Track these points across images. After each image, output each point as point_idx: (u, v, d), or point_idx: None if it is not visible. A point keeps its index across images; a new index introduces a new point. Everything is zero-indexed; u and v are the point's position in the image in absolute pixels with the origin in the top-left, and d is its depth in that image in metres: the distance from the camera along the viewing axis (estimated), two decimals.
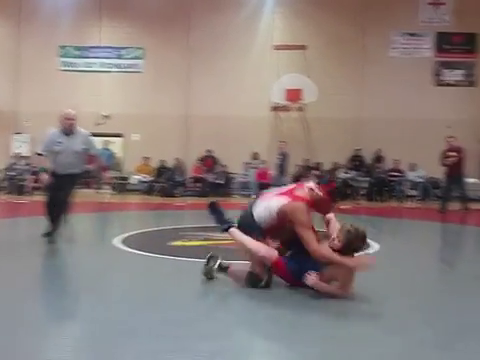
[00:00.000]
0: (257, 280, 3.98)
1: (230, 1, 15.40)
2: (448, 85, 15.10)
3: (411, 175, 14.20)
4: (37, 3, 15.45)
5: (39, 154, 5.94)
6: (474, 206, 10.84)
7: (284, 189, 4.20)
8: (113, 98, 15.44)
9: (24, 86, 15.47)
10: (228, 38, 15.20)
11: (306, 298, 3.72)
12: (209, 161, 14.93)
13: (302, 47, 14.78)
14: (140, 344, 2.82)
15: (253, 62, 15.17)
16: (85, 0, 15.62)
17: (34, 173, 12.46)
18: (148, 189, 14.33)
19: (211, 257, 4.20)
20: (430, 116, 14.52)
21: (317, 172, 14.31)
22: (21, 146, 15.04)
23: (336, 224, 4.06)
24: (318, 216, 4.18)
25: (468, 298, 4.02)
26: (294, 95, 14.16)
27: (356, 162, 14.77)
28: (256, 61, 15.14)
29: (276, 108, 14.82)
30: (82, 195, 10.38)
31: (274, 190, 4.30)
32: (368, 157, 14.92)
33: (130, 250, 5.63)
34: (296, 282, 3.87)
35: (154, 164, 14.97)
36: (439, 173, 11.51)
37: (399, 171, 14.28)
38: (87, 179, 12.48)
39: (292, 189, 4.12)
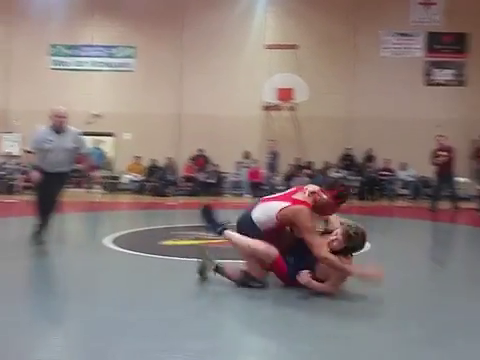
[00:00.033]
0: (251, 280, 3.96)
1: (222, 0, 15.39)
2: (438, 85, 15.20)
3: (402, 174, 14.28)
4: (28, 1, 15.36)
5: (28, 152, 5.83)
6: (464, 205, 10.91)
7: (284, 193, 4.18)
8: (104, 97, 15.39)
9: (15, 85, 15.38)
10: (220, 37, 15.20)
11: (300, 298, 3.72)
12: (201, 160, 14.91)
13: (294, 46, 14.81)
14: (131, 343, 2.81)
15: (245, 61, 15.18)
16: None
17: (24, 172, 12.38)
18: (139, 188, 14.29)
19: (205, 256, 4.15)
20: (421, 115, 14.62)
21: (308, 171, 14.36)
22: (12, 145, 14.94)
23: (336, 222, 4.03)
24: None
25: (458, 296, 4.05)
26: (286, 94, 14.19)
27: (347, 161, 14.83)
28: (248, 60, 15.15)
29: (268, 107, 14.84)
30: (72, 194, 10.34)
31: (274, 195, 4.27)
32: (359, 156, 14.99)
33: (121, 250, 5.61)
34: (293, 282, 3.83)
35: (145, 163, 14.93)
36: (430, 172, 11.59)
37: (390, 170, 14.35)
38: (77, 178, 12.43)
39: (292, 192, 4.08)
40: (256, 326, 3.28)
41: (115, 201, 12.70)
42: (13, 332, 2.96)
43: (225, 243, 4.23)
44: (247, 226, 4.03)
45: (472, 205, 11.14)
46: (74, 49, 15.70)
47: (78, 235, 7.43)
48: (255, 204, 4.19)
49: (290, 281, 3.89)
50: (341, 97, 15.05)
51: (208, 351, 2.73)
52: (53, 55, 15.67)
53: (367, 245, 5.92)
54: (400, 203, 13.12)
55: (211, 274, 4.08)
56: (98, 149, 14.52)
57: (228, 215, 4.53)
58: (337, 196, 3.91)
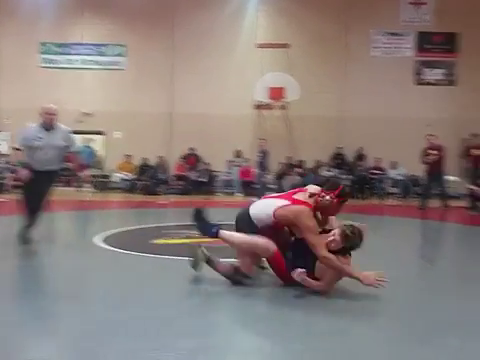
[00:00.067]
0: (240, 276, 3.96)
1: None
2: (429, 84, 15.29)
3: (392, 173, 14.36)
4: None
5: (17, 149, 5.71)
6: (454, 203, 10.99)
7: (285, 193, 4.17)
8: (95, 95, 15.31)
9: (4, 83, 15.24)
10: (211, 36, 15.17)
11: (296, 297, 3.72)
12: (192, 159, 14.89)
13: (285, 45, 14.82)
14: (122, 342, 2.80)
15: (236, 60, 15.17)
16: None
17: (13, 171, 12.27)
18: (130, 187, 14.24)
19: (198, 248, 4.14)
20: (411, 115, 14.70)
21: (300, 170, 14.40)
22: (1, 144, 14.81)
23: (334, 222, 4.04)
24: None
25: (448, 295, 4.08)
26: (277, 93, 14.20)
27: (338, 160, 14.88)
28: (240, 59, 15.15)
29: (259, 106, 14.84)
30: (63, 193, 10.28)
31: (275, 194, 4.27)
32: (350, 155, 15.04)
33: (111, 248, 5.58)
34: (290, 278, 3.80)
35: (136, 162, 14.87)
36: (420, 171, 11.65)
37: (380, 169, 14.42)
38: (67, 177, 12.34)
39: (292, 193, 4.08)
40: (250, 325, 3.28)
41: (106, 200, 12.64)
42: (2, 332, 2.94)
43: (217, 242, 4.22)
44: (244, 223, 4.02)
45: (462, 203, 11.22)
46: (64, 47, 15.61)
47: (68, 234, 7.38)
48: (254, 201, 4.18)
49: (288, 276, 3.86)
50: (332, 96, 15.09)
51: (200, 350, 2.73)
52: (43, 53, 15.56)
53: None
54: (390, 201, 13.19)
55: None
56: (88, 147, 14.46)
57: (220, 214, 4.53)
58: (340, 194, 3.92)
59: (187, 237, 6.20)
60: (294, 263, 3.85)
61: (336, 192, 3.92)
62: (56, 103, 5.78)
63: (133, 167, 14.77)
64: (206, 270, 4.14)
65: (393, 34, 15.34)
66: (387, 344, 2.91)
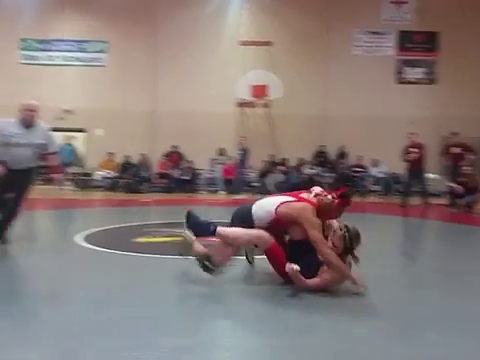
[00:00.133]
0: (208, 262, 3.93)
1: None
2: (409, 83, 15.45)
3: (374, 171, 14.49)
4: None
5: None
6: (434, 201, 11.13)
7: (289, 192, 4.16)
8: (76, 92, 15.14)
9: None
10: (194, 33, 15.12)
11: (289, 296, 3.69)
12: (174, 157, 14.82)
13: (268, 43, 14.83)
14: (103, 342, 2.77)
15: (219, 58, 15.14)
16: None
17: None
18: (112, 185, 14.12)
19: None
20: (392, 113, 14.84)
21: (283, 168, 14.44)
22: None
23: (334, 224, 4.00)
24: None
25: (429, 291, 4.13)
26: (260, 91, 14.21)
27: (321, 158, 14.96)
28: (222, 57, 15.11)
29: (242, 104, 14.84)
30: (42, 191, 10.14)
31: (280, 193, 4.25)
32: (332, 153, 15.13)
33: (93, 247, 5.52)
34: (287, 275, 3.74)
35: (118, 160, 14.75)
36: (401, 169, 11.78)
37: (362, 167, 14.54)
38: (46, 175, 12.15)
39: (298, 192, 4.07)
40: (236, 323, 3.25)
41: (87, 198, 12.52)
42: None
43: (209, 241, 4.19)
44: (241, 219, 3.98)
45: (442, 201, 11.37)
46: (45, 44, 15.41)
47: (48, 233, 7.28)
48: (259, 199, 4.15)
49: (284, 271, 3.76)
50: (315, 94, 15.15)
51: (184, 348, 2.71)
52: (23, 49, 15.34)
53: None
54: (372, 199, 13.30)
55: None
56: (69, 145, 14.31)
57: (203, 213, 4.51)
58: (342, 195, 3.91)
59: (169, 235, 6.16)
60: (293, 257, 3.78)
61: (338, 193, 3.92)
62: (37, 100, 5.62)
63: (115, 165, 14.65)
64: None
65: (374, 33, 15.46)
66: (367, 340, 2.93)
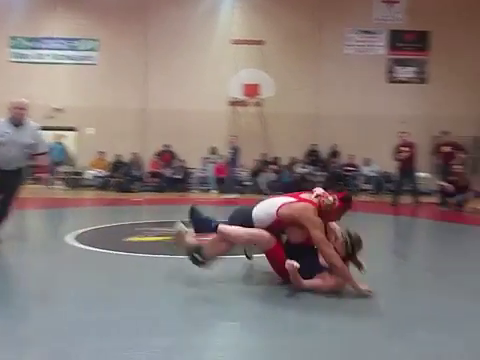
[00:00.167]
0: (198, 254, 3.92)
1: None
2: (400, 82, 15.51)
3: (365, 169, 14.55)
4: None
5: None
6: (425, 199, 11.19)
7: (290, 193, 4.14)
8: (66, 90, 15.05)
9: None
10: (186, 32, 15.08)
11: (288, 296, 3.69)
12: (166, 156, 14.78)
13: (260, 42, 14.83)
14: (94, 342, 2.75)
15: (212, 57, 15.11)
16: None
17: None
18: (103, 184, 14.05)
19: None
20: (384, 112, 14.90)
21: (275, 167, 14.45)
22: None
23: (335, 228, 3.99)
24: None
25: (420, 289, 4.14)
26: (252, 90, 14.20)
27: (313, 157, 15.00)
28: (215, 56, 15.09)
29: (234, 103, 14.82)
30: (33, 191, 10.08)
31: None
32: (324, 152, 15.16)
33: (83, 247, 5.48)
34: (286, 274, 3.72)
35: (110, 159, 14.68)
36: (392, 168, 11.83)
37: (354, 166, 14.59)
38: (33, 173, 12.04)
39: (298, 193, 4.06)
40: (234, 323, 3.23)
41: (78, 197, 12.45)
42: None
43: (202, 236, 4.18)
44: (242, 220, 3.95)
45: (432, 199, 11.43)
46: (35, 42, 15.29)
47: (39, 232, 7.23)
48: (261, 200, 4.12)
49: (285, 272, 3.74)
50: (307, 93, 15.17)
51: (175, 347, 2.71)
52: (13, 47, 15.23)
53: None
54: (363, 198, 13.34)
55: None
56: (60, 144, 14.23)
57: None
58: (343, 198, 3.90)
59: (160, 235, 6.15)
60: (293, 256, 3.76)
61: (340, 195, 3.92)
62: (27, 98, 5.55)
63: (106, 164, 14.58)
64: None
65: (366, 32, 15.51)
66: (358, 337, 2.93)
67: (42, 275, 4.41)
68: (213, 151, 14.76)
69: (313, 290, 3.69)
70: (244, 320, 3.27)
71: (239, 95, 14.37)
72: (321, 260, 3.81)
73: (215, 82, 14.69)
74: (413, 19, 15.20)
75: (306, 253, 3.78)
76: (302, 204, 3.85)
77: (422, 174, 12.42)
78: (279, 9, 15.19)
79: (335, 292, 3.69)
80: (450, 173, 11.08)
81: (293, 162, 14.74)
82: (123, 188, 13.62)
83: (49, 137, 12.19)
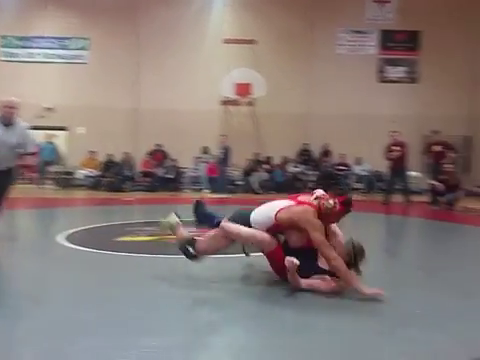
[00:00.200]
0: (192, 247, 3.93)
1: None
2: (391, 82, 15.58)
3: (357, 169, 14.61)
4: None
5: None
6: (416, 198, 11.24)
7: (289, 196, 4.13)
8: (57, 90, 14.96)
9: None
10: (178, 31, 15.04)
11: (285, 295, 3.68)
12: (158, 155, 14.74)
13: (252, 41, 14.83)
14: (84, 342, 2.74)
15: (203, 56, 15.08)
16: None
17: None
18: (95, 184, 13.99)
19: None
20: (375, 112, 14.95)
21: (267, 166, 14.46)
22: None
23: (336, 230, 3.97)
24: None
25: (412, 288, 4.16)
26: (243, 89, 14.20)
27: (305, 156, 15.02)
28: (206, 55, 15.06)
29: (226, 102, 14.82)
30: (24, 190, 10.00)
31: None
32: (316, 151, 15.19)
33: (74, 246, 5.46)
34: (285, 274, 3.70)
35: (101, 158, 14.61)
36: (383, 167, 11.86)
37: (345, 165, 14.64)
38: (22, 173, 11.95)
39: (297, 195, 4.05)
40: (232, 322, 3.23)
41: (69, 197, 12.38)
42: None
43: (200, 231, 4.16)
44: (240, 222, 3.92)
45: (423, 198, 11.49)
46: (25, 40, 15.20)
47: (30, 232, 7.18)
48: (261, 203, 4.10)
49: (284, 273, 3.74)
50: (299, 93, 15.19)
51: (165, 347, 2.70)
52: (3, 46, 15.13)
53: None
54: (355, 197, 13.35)
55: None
56: (51, 144, 14.14)
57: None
58: (344, 201, 3.88)
59: (151, 235, 6.13)
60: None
61: (341, 199, 3.89)
62: (18, 98, 5.49)
63: (97, 163, 14.51)
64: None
65: (357, 32, 15.55)
66: (350, 335, 2.94)
67: (33, 275, 4.38)
68: (205, 151, 14.74)
69: (311, 290, 3.69)
70: (241, 320, 3.26)
71: (231, 94, 14.37)
72: (321, 263, 3.78)
73: (207, 81, 14.67)
74: (404, 19, 15.27)
75: (306, 256, 3.74)
76: (301, 207, 3.82)
77: (413, 173, 12.47)
78: (271, 8, 15.19)
79: (334, 293, 3.69)
80: (441, 172, 11.14)
81: (285, 161, 14.77)
82: (114, 188, 13.55)
83: (40, 136, 12.12)
